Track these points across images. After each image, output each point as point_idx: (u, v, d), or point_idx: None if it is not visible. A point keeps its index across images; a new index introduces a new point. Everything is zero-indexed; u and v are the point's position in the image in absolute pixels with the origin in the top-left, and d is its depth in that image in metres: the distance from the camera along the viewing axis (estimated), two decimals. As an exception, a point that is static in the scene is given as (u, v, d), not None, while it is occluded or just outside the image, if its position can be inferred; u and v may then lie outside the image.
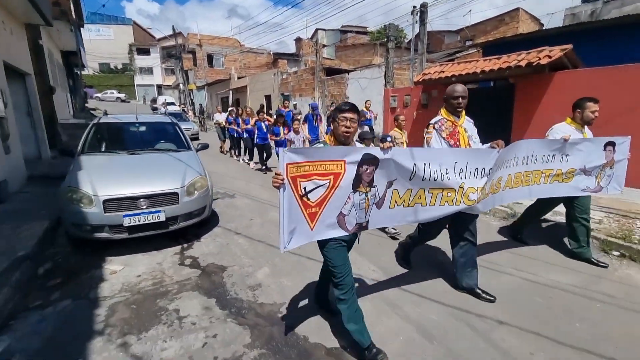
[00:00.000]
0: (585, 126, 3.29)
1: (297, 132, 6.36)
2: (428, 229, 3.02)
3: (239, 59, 31.50)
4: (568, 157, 3.13)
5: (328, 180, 1.93)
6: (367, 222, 2.18)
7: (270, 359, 2.18)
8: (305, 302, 2.83)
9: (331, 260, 2.12)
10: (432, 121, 2.78)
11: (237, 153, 9.95)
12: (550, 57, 5.79)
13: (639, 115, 5.10)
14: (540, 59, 5.84)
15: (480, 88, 8.16)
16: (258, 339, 2.37)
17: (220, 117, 10.75)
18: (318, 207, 1.96)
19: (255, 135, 8.01)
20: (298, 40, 31.68)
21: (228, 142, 10.76)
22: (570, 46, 5.92)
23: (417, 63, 9.32)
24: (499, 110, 6.96)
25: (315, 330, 2.46)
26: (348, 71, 12.57)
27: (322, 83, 13.29)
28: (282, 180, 1.81)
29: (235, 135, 9.60)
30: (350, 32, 34.00)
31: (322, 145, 2.12)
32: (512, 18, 16.79)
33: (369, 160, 2.03)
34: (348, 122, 2.00)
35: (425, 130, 2.79)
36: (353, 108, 2.03)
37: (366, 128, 6.85)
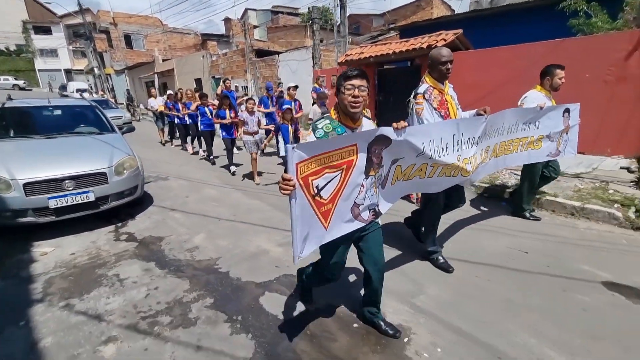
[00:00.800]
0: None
1: (251, 112, 5.64)
2: (433, 205, 2.83)
3: (163, 39, 29.20)
4: (538, 124, 3.18)
5: (340, 171, 1.68)
6: (378, 205, 1.98)
7: (207, 297, 2.60)
8: (237, 253, 3.26)
9: (323, 257, 2.03)
10: (420, 90, 2.55)
11: (183, 142, 9.02)
12: (445, 40, 6.78)
13: (511, 87, 6.33)
14: (437, 42, 6.80)
15: (399, 67, 9.07)
16: (196, 285, 2.76)
17: (156, 103, 9.72)
18: (331, 203, 1.71)
19: (199, 122, 7.34)
20: (227, 20, 30.31)
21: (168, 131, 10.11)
22: (460, 31, 6.98)
23: (341, 45, 9.93)
24: (413, 86, 7.91)
25: (247, 272, 2.92)
26: (278, 53, 12.75)
27: (253, 65, 13.29)
28: (294, 185, 1.49)
29: (176, 122, 8.87)
30: (281, 12, 33.52)
31: (327, 120, 1.81)
32: (427, 3, 18.38)
33: (381, 141, 1.82)
34: (356, 90, 1.70)
35: (413, 100, 2.58)
36: (361, 74, 1.73)
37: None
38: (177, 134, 9.38)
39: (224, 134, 6.34)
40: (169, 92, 9.81)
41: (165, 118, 9.62)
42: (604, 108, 5.37)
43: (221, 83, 8.86)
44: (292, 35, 24.51)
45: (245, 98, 7.70)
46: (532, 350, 1.98)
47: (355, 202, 1.81)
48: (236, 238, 3.61)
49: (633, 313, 2.28)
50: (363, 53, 8.32)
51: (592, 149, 5.55)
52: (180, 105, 8.38)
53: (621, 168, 4.83)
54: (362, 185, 1.80)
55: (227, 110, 6.26)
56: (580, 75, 5.50)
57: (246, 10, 33.94)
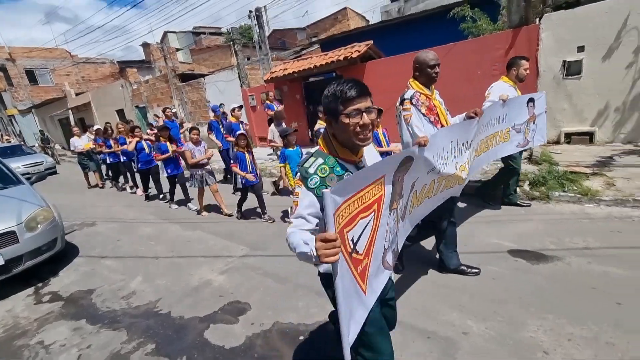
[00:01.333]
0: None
1: (196, 143, 5.01)
2: (432, 223, 2.67)
3: (74, 71, 26.75)
4: (506, 116, 3.12)
5: (373, 213, 1.28)
6: (397, 244, 1.62)
7: (148, 343, 2.48)
8: (178, 290, 3.15)
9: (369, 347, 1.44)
10: (407, 96, 2.39)
11: (124, 182, 7.90)
12: (359, 51, 7.32)
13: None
14: (352, 53, 7.31)
15: (326, 79, 9.48)
16: (135, 333, 2.62)
17: (81, 142, 8.55)
18: (367, 257, 1.31)
19: (137, 160, 6.35)
20: (145, 45, 28.87)
21: (91, 174, 8.88)
22: (371, 42, 7.60)
23: (265, 62, 10.10)
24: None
25: (190, 308, 2.85)
26: (203, 75, 12.50)
27: (179, 90, 12.85)
28: (339, 246, 1.04)
29: (108, 161, 7.74)
30: (204, 33, 32.89)
31: (318, 159, 1.31)
32: (343, 16, 19.53)
33: (404, 164, 1.48)
34: (364, 116, 1.24)
35: (400, 107, 2.43)
36: (363, 90, 1.27)
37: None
38: (116, 174, 8.19)
39: (168, 170, 5.57)
40: (96, 127, 8.84)
41: (97, 157, 8.44)
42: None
43: (161, 112, 8.35)
44: (218, 55, 24.19)
45: (187, 127, 7.09)
46: (454, 323, 2.26)
47: (384, 247, 1.42)
48: (176, 274, 3.48)
49: (532, 273, 2.69)
50: (287, 69, 8.58)
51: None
52: (112, 142, 7.52)
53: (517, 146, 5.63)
54: (388, 224, 1.40)
55: (168, 143, 5.50)
56: (473, 72, 6.33)
57: (165, 33, 32.69)
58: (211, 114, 6.97)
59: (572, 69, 5.52)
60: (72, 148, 8.66)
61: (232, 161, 4.57)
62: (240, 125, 6.16)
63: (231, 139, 5.96)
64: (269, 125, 6.29)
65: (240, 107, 6.40)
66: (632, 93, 5.19)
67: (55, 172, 11.91)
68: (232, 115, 6.23)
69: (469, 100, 4.48)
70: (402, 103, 2.42)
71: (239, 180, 4.67)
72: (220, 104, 6.84)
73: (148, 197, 6.74)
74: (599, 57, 5.30)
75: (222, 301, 2.88)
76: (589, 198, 3.69)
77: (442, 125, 2.39)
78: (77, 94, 19.72)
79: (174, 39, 32.89)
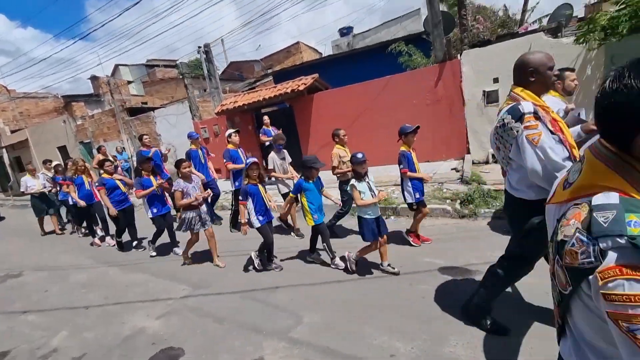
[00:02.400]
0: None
1: (188, 179, 4.10)
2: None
3: (11, 107, 24.88)
4: None
5: None
6: None
7: (64, 407, 2.26)
8: (107, 342, 2.92)
9: None
10: (526, 110, 1.79)
11: (88, 227, 6.39)
12: (305, 84, 7.66)
13: (366, 115, 7.45)
14: (299, 86, 7.63)
15: (281, 109, 9.71)
16: (50, 397, 2.38)
17: (36, 182, 7.26)
18: None
19: (108, 200, 5.03)
20: (94, 78, 27.81)
21: (45, 218, 7.55)
22: (316, 75, 8.02)
23: (215, 95, 10.18)
24: (290, 125, 8.56)
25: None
26: (153, 109, 12.25)
27: (127, 124, 12.42)
28: None
29: (70, 202, 6.25)
30: (158, 66, 32.48)
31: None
32: (296, 49, 20.39)
33: None
34: None
35: (519, 125, 1.80)
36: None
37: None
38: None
39: (154, 210, 4.74)
40: (55, 163, 7.46)
41: (55, 198, 7.25)
42: (432, 124, 6.75)
43: (115, 151, 7.66)
44: (172, 87, 23.90)
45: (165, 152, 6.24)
46: (383, 346, 2.33)
47: None
48: (107, 325, 3.24)
49: (459, 288, 2.87)
50: (237, 102, 8.70)
51: (434, 157, 6.89)
52: (65, 183, 6.23)
53: (452, 169, 6.11)
54: None
55: (152, 177, 4.73)
56: (409, 101, 6.87)
57: (116, 66, 31.84)
58: (188, 142, 5.98)
59: (491, 97, 6.19)
60: (22, 189, 7.24)
61: (240, 197, 3.69)
62: (241, 152, 5.41)
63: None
64: (265, 152, 5.69)
65: (237, 131, 5.47)
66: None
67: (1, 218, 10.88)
68: (231, 143, 5.35)
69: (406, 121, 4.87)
70: (520, 119, 1.80)
71: (254, 220, 3.68)
72: (237, 130, 5.50)
73: (122, 246, 5.49)
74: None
75: (154, 349, 2.72)
76: (509, 213, 4.07)
77: (571, 145, 1.80)
78: (13, 131, 18.27)
79: (126, 71, 32.03)
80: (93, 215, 6.07)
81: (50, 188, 7.42)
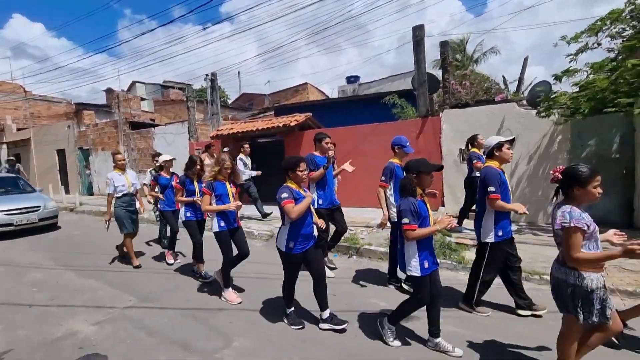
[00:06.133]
0: None
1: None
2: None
3: (24, 106, 25.69)
4: None
5: None
6: None
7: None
8: (36, 341, 2.90)
9: None
10: None
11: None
12: (297, 121, 8.08)
13: (351, 157, 7.74)
14: (291, 122, 8.04)
15: (275, 141, 10.09)
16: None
17: (127, 182, 4.91)
18: None
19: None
20: (109, 90, 29.04)
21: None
22: (310, 114, 8.49)
23: (215, 120, 10.65)
24: (280, 157, 8.83)
25: (39, 360, 2.63)
26: (154, 125, 12.72)
27: (127, 137, 12.82)
28: None
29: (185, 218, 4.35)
30: (172, 87, 34.01)
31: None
32: (304, 89, 21.54)
33: None
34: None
35: None
36: None
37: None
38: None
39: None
40: (166, 157, 5.01)
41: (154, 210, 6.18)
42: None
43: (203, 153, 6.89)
44: (180, 109, 24.81)
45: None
46: (299, 377, 2.33)
47: None
48: (42, 325, 3.22)
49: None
50: (232, 129, 9.10)
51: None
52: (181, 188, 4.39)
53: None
54: None
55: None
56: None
57: (134, 82, 33.33)
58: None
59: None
60: (110, 190, 4.75)
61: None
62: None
63: None
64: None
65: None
66: (513, 179, 6.19)
67: (55, 225, 7.80)
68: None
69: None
70: None
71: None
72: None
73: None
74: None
75: (79, 353, 2.70)
76: (463, 266, 4.16)
77: None
78: (19, 129, 18.73)
79: (141, 88, 33.52)
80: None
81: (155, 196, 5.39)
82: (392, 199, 3.66)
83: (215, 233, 3.55)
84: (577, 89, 5.07)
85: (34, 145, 16.46)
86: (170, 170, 5.13)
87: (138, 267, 4.80)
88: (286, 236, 2.85)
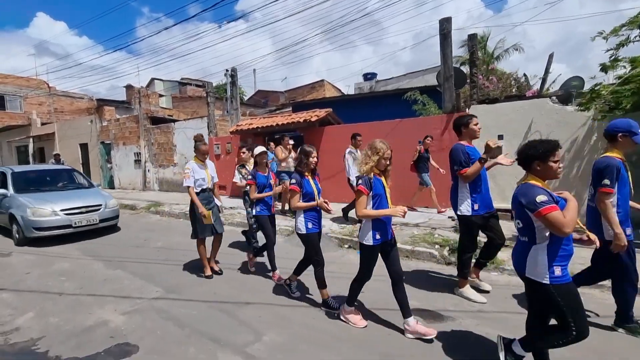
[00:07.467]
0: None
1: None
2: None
3: (48, 102, 26.52)
4: None
5: None
6: None
7: (6, 384, 2.24)
8: (68, 329, 2.92)
9: None
10: None
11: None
12: (318, 116, 7.99)
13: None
14: (312, 117, 7.96)
15: (294, 137, 10.05)
16: (-3, 372, 2.36)
17: (207, 175, 4.13)
18: None
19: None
20: (129, 87, 29.66)
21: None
22: (330, 110, 8.37)
23: (234, 116, 10.67)
24: (296, 154, 8.84)
25: (72, 348, 2.63)
26: (174, 121, 12.86)
27: (147, 132, 13.01)
28: None
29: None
30: (190, 84, 34.46)
31: None
32: (320, 86, 21.39)
33: None
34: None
35: None
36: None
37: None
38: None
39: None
40: (260, 149, 4.10)
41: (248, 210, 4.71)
42: (435, 171, 6.85)
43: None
44: (199, 105, 25.07)
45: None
46: (335, 376, 2.25)
47: None
48: (73, 313, 3.25)
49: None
50: (252, 124, 9.08)
51: (432, 203, 6.89)
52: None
53: (448, 217, 6.08)
54: None
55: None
56: (415, 146, 7.03)
57: (152, 79, 33.93)
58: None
59: (495, 153, 6.28)
60: (188, 183, 3.97)
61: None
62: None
63: None
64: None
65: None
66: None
67: (115, 226, 6.84)
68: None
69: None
70: None
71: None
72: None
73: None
74: (515, 145, 6.11)
75: (110, 342, 2.70)
76: (495, 266, 3.99)
77: None
78: (43, 124, 19.32)
79: (160, 85, 34.11)
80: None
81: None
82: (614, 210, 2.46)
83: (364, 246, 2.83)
84: (618, 82, 4.77)
85: (58, 139, 16.92)
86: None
87: (210, 277, 4.08)
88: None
